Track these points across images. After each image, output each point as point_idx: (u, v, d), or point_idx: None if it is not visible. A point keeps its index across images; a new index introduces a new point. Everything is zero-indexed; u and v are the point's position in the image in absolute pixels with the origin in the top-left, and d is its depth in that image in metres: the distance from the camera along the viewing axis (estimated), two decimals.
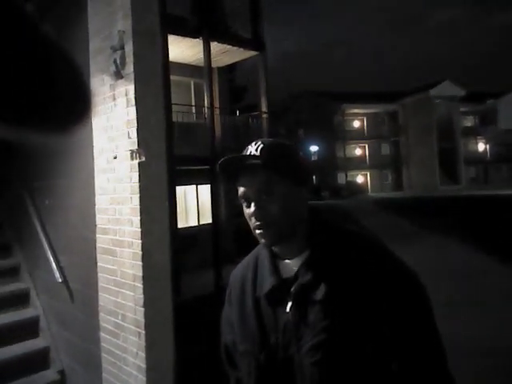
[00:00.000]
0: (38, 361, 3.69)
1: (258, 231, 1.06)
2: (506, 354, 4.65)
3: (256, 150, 1.07)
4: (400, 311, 0.99)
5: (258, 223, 1.05)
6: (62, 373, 3.62)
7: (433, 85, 39.42)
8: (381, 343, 0.98)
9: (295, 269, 1.06)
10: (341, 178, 38.87)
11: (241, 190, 1.08)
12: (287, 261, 1.09)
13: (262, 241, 1.07)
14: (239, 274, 1.20)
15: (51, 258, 3.67)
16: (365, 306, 0.98)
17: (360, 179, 40.62)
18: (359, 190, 38.49)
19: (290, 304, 1.03)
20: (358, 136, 40.42)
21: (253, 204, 1.05)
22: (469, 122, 43.24)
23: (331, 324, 0.98)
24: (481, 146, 43.32)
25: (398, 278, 1.03)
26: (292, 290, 1.03)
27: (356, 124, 41.14)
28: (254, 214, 1.05)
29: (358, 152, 40.91)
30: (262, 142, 1.09)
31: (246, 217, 1.09)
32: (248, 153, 1.08)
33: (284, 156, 1.08)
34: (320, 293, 1.00)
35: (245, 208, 1.09)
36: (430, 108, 38.79)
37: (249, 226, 1.11)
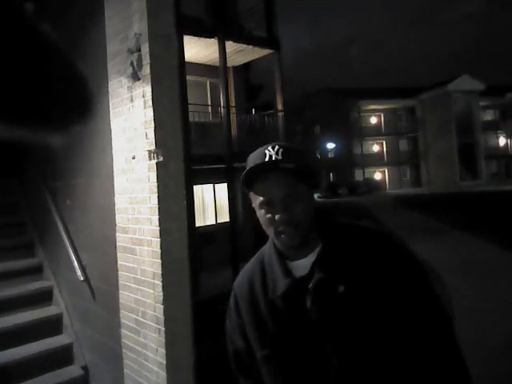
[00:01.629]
0: (62, 357, 3.78)
1: (282, 235, 1.07)
2: None
3: (277, 153, 1.07)
4: (408, 293, 1.05)
5: (283, 227, 1.06)
6: (85, 368, 3.71)
7: (451, 79, 38.74)
8: (395, 325, 1.02)
9: (307, 267, 1.08)
10: (358, 175, 38.55)
11: (262, 195, 1.08)
12: (297, 261, 1.11)
13: (287, 244, 1.08)
14: (245, 283, 1.20)
15: (73, 257, 3.75)
16: (379, 292, 1.03)
17: (378, 176, 40.21)
18: (377, 186, 38.09)
19: (309, 300, 1.05)
20: (376, 132, 39.99)
21: (278, 208, 1.06)
22: (489, 116, 42.34)
23: (353, 314, 1.02)
24: (502, 141, 42.41)
25: (406, 265, 1.08)
26: (310, 286, 1.05)
27: (373, 120, 40.71)
28: (281, 217, 1.05)
29: (376, 148, 40.49)
30: (280, 146, 1.10)
31: (266, 222, 1.09)
32: (268, 157, 1.08)
33: (303, 158, 1.11)
34: (340, 285, 1.03)
35: (264, 213, 1.09)
36: (449, 103, 38.12)
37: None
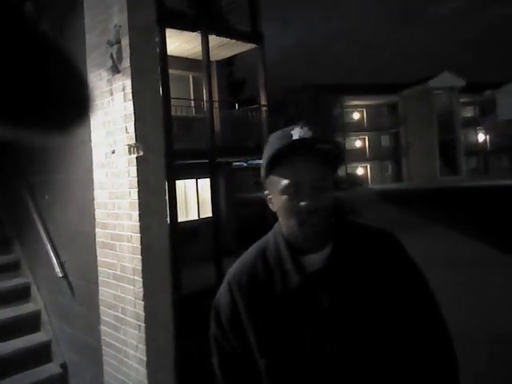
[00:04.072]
0: (40, 354, 3.72)
1: (306, 225, 0.97)
2: (502, 341, 4.69)
3: (307, 133, 0.99)
4: (412, 296, 1.05)
5: (308, 217, 0.96)
6: (63, 366, 3.65)
7: (432, 76, 39.25)
8: (399, 326, 1.02)
9: (318, 263, 1.02)
10: (341, 170, 38.84)
11: (289, 179, 0.97)
12: (309, 255, 1.03)
13: (309, 235, 0.98)
14: (244, 275, 1.08)
15: (51, 253, 3.69)
16: (388, 296, 1.01)
17: (360, 171, 40.58)
18: (359, 182, 38.46)
19: (325, 298, 0.99)
20: (358, 128, 40.30)
21: (306, 193, 0.96)
22: (469, 112, 43.06)
23: (369, 314, 0.99)
24: (481, 137, 43.20)
25: (410, 267, 1.08)
26: (329, 281, 1.00)
27: (356, 116, 41.01)
28: (309, 204, 0.95)
29: (358, 144, 40.81)
30: (308, 126, 1.01)
31: (289, 209, 0.98)
32: (298, 137, 0.98)
33: (329, 141, 1.03)
34: (358, 283, 1.00)
35: (287, 199, 0.98)
36: (430, 99, 38.65)
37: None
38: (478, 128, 42.86)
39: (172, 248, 2.93)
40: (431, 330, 1.05)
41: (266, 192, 1.05)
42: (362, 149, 40.88)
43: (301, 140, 0.97)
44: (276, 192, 1.00)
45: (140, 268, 2.67)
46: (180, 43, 10.41)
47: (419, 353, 1.02)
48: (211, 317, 1.11)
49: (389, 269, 1.03)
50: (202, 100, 10.48)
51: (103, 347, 3.06)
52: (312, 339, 0.99)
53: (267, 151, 1.01)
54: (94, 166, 3.13)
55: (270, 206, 1.05)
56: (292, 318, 1.01)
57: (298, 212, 0.97)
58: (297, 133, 0.99)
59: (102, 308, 3.08)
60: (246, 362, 1.05)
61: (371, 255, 1.04)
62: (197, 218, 11.58)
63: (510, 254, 9.04)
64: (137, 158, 2.69)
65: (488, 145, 42.88)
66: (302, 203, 0.96)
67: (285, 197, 0.98)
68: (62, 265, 3.61)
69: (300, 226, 0.98)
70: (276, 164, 0.99)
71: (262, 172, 1.04)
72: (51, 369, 3.66)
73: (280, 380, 1.02)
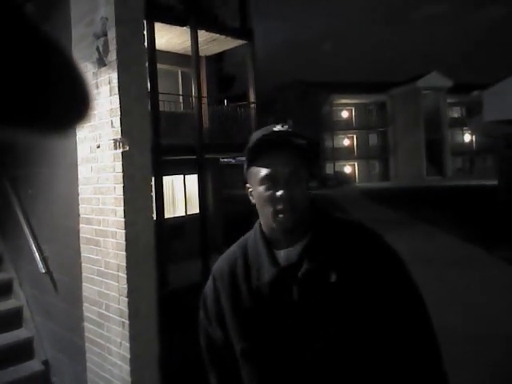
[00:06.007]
0: (22, 351, 3.66)
1: (280, 215, 1.01)
2: (486, 340, 4.76)
3: (287, 130, 1.06)
4: (393, 288, 1.04)
5: (283, 205, 1.01)
6: (46, 363, 3.60)
7: (421, 76, 39.56)
8: (379, 319, 1.01)
9: (294, 256, 1.05)
10: (329, 168, 39.00)
11: (267, 170, 1.03)
12: (284, 249, 1.07)
13: (283, 224, 1.02)
14: (226, 268, 1.15)
15: (34, 249, 3.63)
16: (365, 286, 1.02)
17: (348, 169, 40.80)
18: (347, 180, 38.68)
19: (296, 291, 1.02)
20: (347, 126, 40.49)
21: (281, 184, 1.01)
22: (456, 113, 43.52)
23: (341, 306, 1.00)
24: (467, 137, 43.71)
25: (393, 263, 1.08)
26: (299, 275, 1.02)
27: (344, 114, 41.18)
28: (283, 194, 1.00)
29: (346, 142, 41.01)
30: (290, 126, 1.07)
31: (265, 198, 1.03)
32: (276, 130, 1.06)
33: (310, 141, 1.09)
34: (330, 276, 1.01)
35: (264, 189, 1.03)
36: (418, 99, 38.97)
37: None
38: (465, 128, 43.34)
39: (158, 244, 2.90)
40: (413, 320, 1.04)
41: (248, 185, 1.11)
42: (350, 147, 41.08)
43: (278, 132, 1.04)
44: (255, 183, 1.06)
45: (124, 264, 2.63)
46: (169, 37, 10.32)
47: (400, 345, 1.02)
48: (200, 305, 1.20)
49: (366, 261, 1.03)
50: (191, 95, 10.41)
51: (86, 344, 3.02)
52: (284, 330, 1.03)
53: (249, 143, 1.07)
54: (78, 161, 3.08)
55: (251, 198, 1.10)
56: (266, 309, 1.05)
57: (273, 201, 1.02)
58: (277, 128, 1.05)
59: (85, 305, 3.04)
60: (228, 348, 1.12)
61: (348, 248, 1.05)
62: (184, 214, 11.52)
63: (492, 252, 9.17)
64: (122, 153, 2.65)
65: (474, 145, 43.40)
66: (277, 193, 1.01)
67: (262, 187, 1.04)
68: (45, 260, 3.56)
69: (274, 215, 1.02)
70: (256, 156, 1.05)
71: (245, 164, 1.10)
72: (33, 366, 3.61)
73: (255, 368, 1.07)
